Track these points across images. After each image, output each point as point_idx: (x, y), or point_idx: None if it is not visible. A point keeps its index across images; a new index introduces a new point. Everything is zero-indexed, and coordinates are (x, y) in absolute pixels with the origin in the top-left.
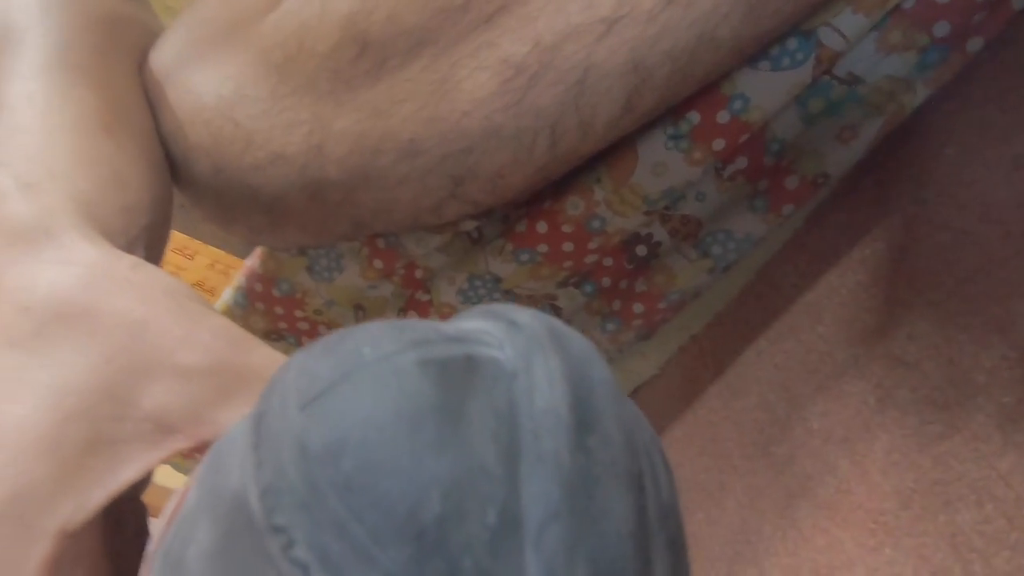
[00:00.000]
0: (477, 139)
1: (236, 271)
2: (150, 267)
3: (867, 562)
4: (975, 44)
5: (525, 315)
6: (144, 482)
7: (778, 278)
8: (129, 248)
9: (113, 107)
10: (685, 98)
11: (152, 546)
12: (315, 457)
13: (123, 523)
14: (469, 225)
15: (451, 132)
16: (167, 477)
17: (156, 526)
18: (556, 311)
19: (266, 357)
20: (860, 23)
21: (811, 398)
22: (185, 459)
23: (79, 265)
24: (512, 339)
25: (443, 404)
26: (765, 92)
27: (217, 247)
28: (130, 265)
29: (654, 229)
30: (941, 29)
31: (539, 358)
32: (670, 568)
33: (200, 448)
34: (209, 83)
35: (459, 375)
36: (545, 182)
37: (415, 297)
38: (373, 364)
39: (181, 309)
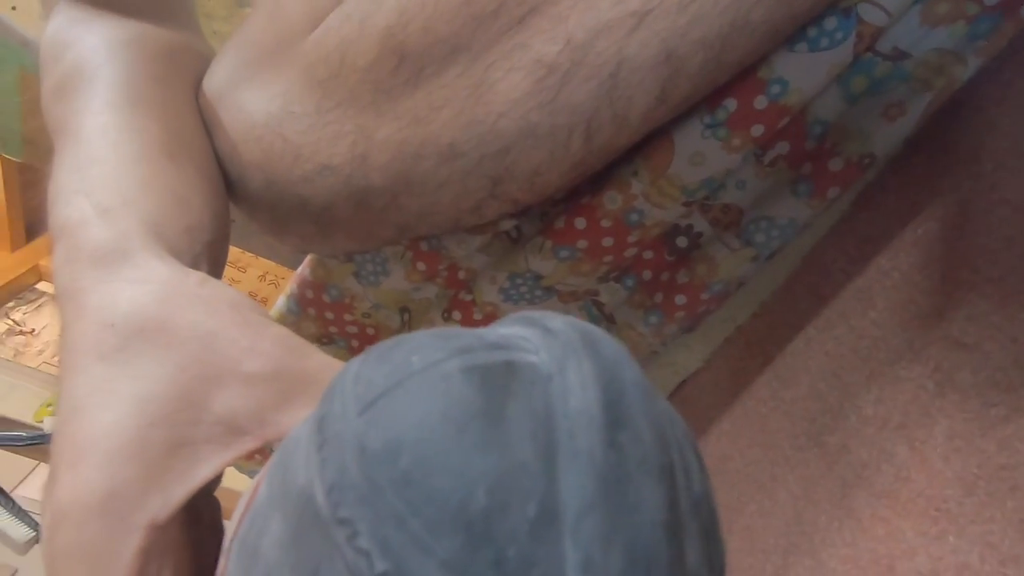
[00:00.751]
0: (513, 139)
1: (286, 282)
2: (215, 282)
3: (930, 551)
4: None
5: (559, 322)
6: (217, 480)
7: (826, 264)
8: (194, 264)
9: (174, 134)
10: (721, 85)
11: (228, 539)
12: (374, 457)
13: (200, 517)
14: (508, 224)
15: (488, 134)
16: (231, 480)
17: (228, 524)
18: (599, 306)
19: (322, 362)
20: None
21: (864, 385)
22: (247, 461)
23: (154, 283)
24: (547, 345)
25: (486, 408)
26: (804, 75)
27: (268, 259)
28: (198, 281)
29: (694, 220)
30: None
31: (572, 362)
32: (703, 555)
33: (264, 449)
34: (259, 102)
35: (499, 380)
36: (582, 178)
37: (458, 297)
38: (421, 372)
39: (245, 320)
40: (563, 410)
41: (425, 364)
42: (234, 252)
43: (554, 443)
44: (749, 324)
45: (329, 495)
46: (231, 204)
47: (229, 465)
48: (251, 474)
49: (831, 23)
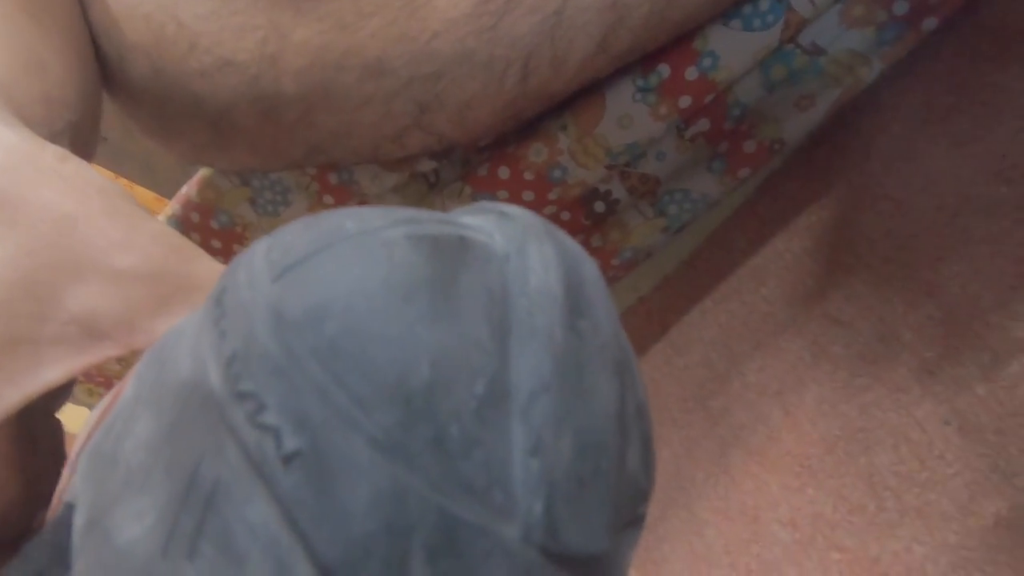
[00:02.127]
0: (447, 63)
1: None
2: (80, 161)
3: (791, 502)
4: (930, 24)
5: (516, 209)
6: (62, 397)
7: (728, 242)
8: (52, 142)
9: None
10: (657, 50)
11: (72, 455)
12: (292, 323)
13: (36, 442)
14: (427, 166)
15: (420, 53)
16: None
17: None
18: None
19: (209, 268)
20: None
21: (750, 355)
22: (92, 393)
23: None
24: (502, 228)
25: (435, 277)
26: (734, 51)
27: (146, 188)
28: (57, 156)
29: (613, 186)
30: (900, 7)
31: (534, 244)
32: (642, 460)
33: (130, 358)
34: None
35: (451, 252)
36: (512, 121)
37: None
38: (358, 236)
39: (117, 210)
40: (522, 288)
41: (362, 229)
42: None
43: (508, 322)
44: (651, 295)
45: (228, 368)
46: (108, 100)
47: (79, 372)
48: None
49: (765, 4)
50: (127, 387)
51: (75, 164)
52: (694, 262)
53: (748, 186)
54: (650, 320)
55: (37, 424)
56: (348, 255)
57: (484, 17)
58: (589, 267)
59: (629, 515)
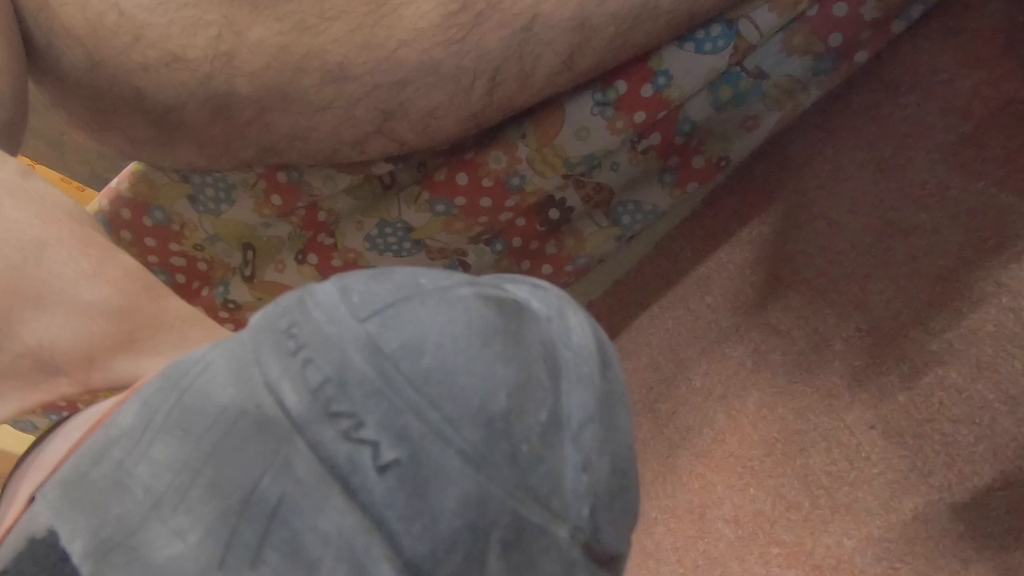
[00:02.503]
0: (413, 73)
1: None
2: (42, 179)
3: (734, 500)
4: (861, 56)
5: (544, 282)
6: None
7: (675, 252)
8: None
9: None
10: (616, 67)
11: (27, 485)
12: (389, 355)
13: None
14: (383, 169)
15: (386, 61)
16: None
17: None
18: (465, 267)
19: (178, 308)
20: (773, 21)
21: (696, 360)
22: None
23: None
24: (538, 296)
25: (505, 328)
26: (686, 72)
27: (51, 168)
28: (19, 171)
29: (568, 194)
30: (835, 40)
31: (570, 310)
32: (639, 480)
33: (83, 397)
34: None
35: (511, 311)
36: (474, 130)
37: (317, 240)
38: (436, 291)
39: (88, 238)
40: (566, 343)
41: (437, 286)
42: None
43: (559, 367)
44: (601, 300)
45: (319, 391)
46: (34, 84)
47: (27, 410)
48: (23, 427)
49: (716, 30)
50: (123, 415)
51: (39, 182)
52: (643, 269)
53: (694, 199)
54: (600, 324)
55: None
56: (433, 305)
57: (453, 29)
58: (602, 331)
59: (633, 523)
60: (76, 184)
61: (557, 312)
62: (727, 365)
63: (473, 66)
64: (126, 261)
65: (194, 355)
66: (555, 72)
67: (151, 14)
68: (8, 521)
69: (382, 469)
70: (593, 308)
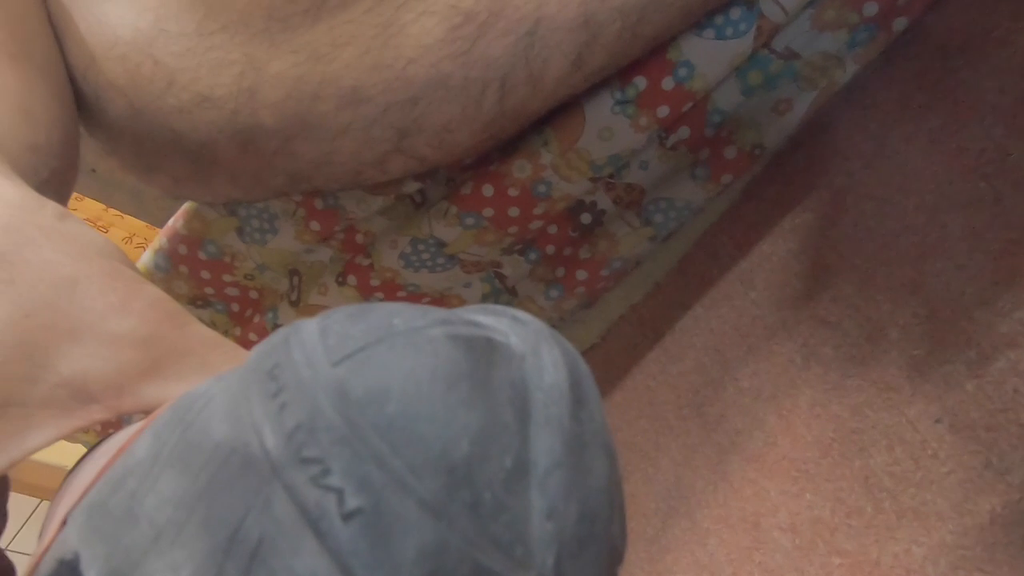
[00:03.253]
0: (423, 89)
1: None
2: (78, 219)
3: (790, 507)
4: (900, 24)
5: (525, 315)
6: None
7: (715, 248)
8: (39, 191)
9: (15, 35)
10: (633, 63)
11: (60, 508)
12: (355, 402)
13: None
14: (412, 187)
15: (396, 80)
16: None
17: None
18: (501, 278)
19: (201, 335)
20: None
21: (742, 359)
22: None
23: None
24: (516, 331)
25: (472, 371)
26: (709, 60)
27: (136, 217)
28: (56, 214)
29: (598, 197)
30: (870, 9)
31: (545, 346)
32: (620, 526)
33: (115, 422)
34: (125, 15)
35: (481, 351)
36: (492, 141)
37: (355, 262)
38: (406, 333)
39: (115, 272)
40: (538, 383)
41: (408, 327)
42: (95, 209)
43: (527, 410)
44: (643, 303)
45: (292, 436)
46: (86, 134)
47: (65, 436)
48: (85, 444)
49: (736, 13)
50: (139, 445)
51: (74, 222)
52: (684, 269)
53: (732, 191)
54: (643, 328)
55: None
56: (400, 349)
57: (458, 42)
58: (583, 365)
59: (609, 573)
60: (157, 229)
61: (532, 349)
62: (776, 363)
63: (481, 76)
64: (151, 292)
65: (200, 389)
66: (565, 74)
67: (181, 60)
68: (46, 541)
69: (347, 517)
70: (635, 312)
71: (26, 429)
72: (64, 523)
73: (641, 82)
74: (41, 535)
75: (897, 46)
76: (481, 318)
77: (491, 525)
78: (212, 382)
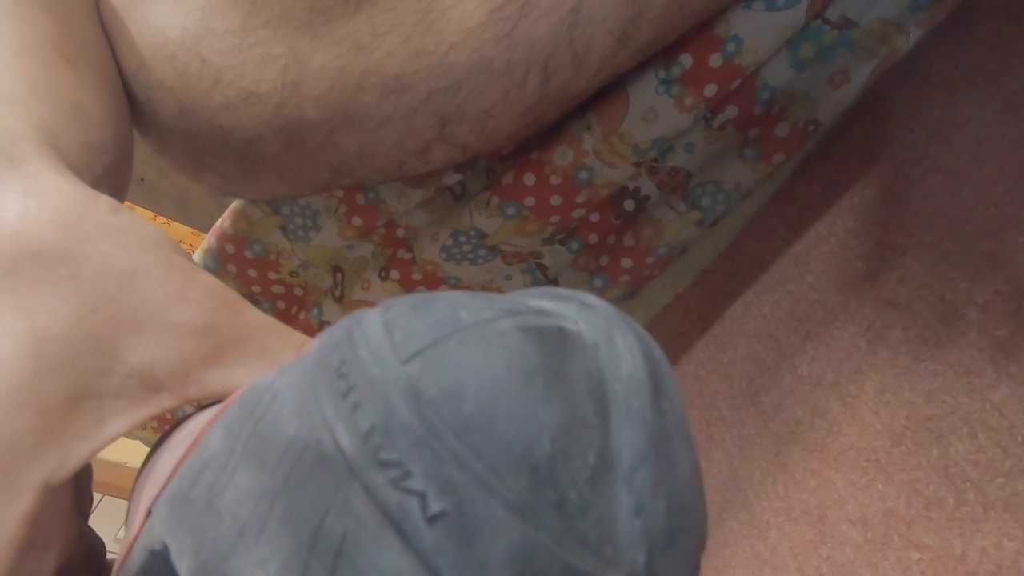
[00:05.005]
0: (466, 74)
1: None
2: (131, 212)
3: (859, 499)
4: None
5: (593, 299)
6: None
7: (765, 231)
8: (94, 188)
9: (71, 37)
10: (678, 40)
11: (144, 498)
12: (431, 402)
13: (79, 484)
14: (452, 179)
15: (438, 66)
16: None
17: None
18: (542, 269)
19: (258, 320)
20: None
21: (800, 346)
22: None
23: (52, 199)
24: (586, 317)
25: (546, 364)
26: (759, 34)
27: (182, 223)
28: (110, 208)
29: (642, 183)
30: None
31: (618, 333)
32: (703, 513)
33: (171, 417)
34: (173, 16)
35: (554, 342)
36: (535, 126)
37: (397, 256)
38: (475, 326)
39: (172, 263)
40: (615, 374)
41: (476, 320)
42: (144, 217)
43: (607, 402)
44: (689, 291)
45: (367, 438)
46: (138, 137)
47: (139, 424)
48: (144, 441)
49: None
50: (212, 438)
51: (127, 216)
52: (732, 254)
53: (783, 171)
54: (690, 316)
55: (80, 470)
56: (471, 344)
57: (500, 24)
58: (659, 351)
59: (697, 563)
60: (202, 236)
61: (605, 337)
62: (837, 348)
63: (524, 58)
64: (207, 280)
65: (265, 382)
66: (610, 52)
67: (227, 57)
68: (133, 531)
69: (431, 520)
70: (682, 300)
71: (103, 419)
72: (148, 513)
73: (687, 60)
74: (127, 524)
75: (964, 7)
76: (547, 304)
77: (578, 524)
78: (276, 375)
